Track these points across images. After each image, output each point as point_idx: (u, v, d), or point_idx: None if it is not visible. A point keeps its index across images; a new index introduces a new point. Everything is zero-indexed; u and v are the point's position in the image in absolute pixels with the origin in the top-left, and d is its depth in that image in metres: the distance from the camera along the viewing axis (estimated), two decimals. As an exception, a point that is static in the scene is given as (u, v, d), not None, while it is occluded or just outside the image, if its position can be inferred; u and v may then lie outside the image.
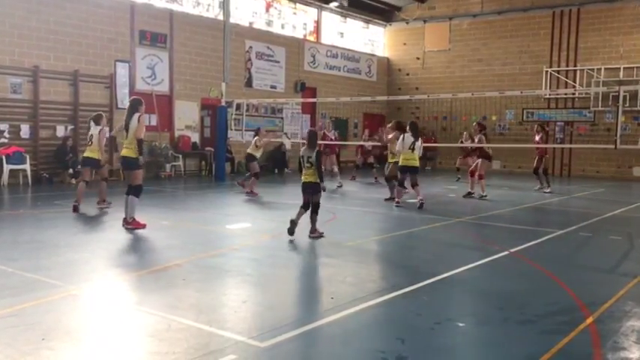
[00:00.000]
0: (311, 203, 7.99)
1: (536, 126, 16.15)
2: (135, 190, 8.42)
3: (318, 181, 7.95)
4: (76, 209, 9.85)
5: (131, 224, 8.31)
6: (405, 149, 11.20)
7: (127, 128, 8.49)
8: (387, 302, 5.09)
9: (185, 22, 18.45)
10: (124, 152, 8.54)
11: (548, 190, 14.98)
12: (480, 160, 13.64)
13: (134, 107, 8.51)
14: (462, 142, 17.42)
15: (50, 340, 3.98)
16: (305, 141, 8.20)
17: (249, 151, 13.66)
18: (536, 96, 22.48)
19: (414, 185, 11.30)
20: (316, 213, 8.03)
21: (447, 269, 6.24)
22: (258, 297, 5.33)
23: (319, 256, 7.01)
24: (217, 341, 4.05)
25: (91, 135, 10.37)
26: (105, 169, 10.81)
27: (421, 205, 11.04)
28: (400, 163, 11.32)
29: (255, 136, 14.10)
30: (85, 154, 10.47)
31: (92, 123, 10.52)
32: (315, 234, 7.97)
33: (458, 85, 24.26)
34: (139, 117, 8.43)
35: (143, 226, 8.32)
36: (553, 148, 22.63)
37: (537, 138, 15.40)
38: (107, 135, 10.86)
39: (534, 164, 15.56)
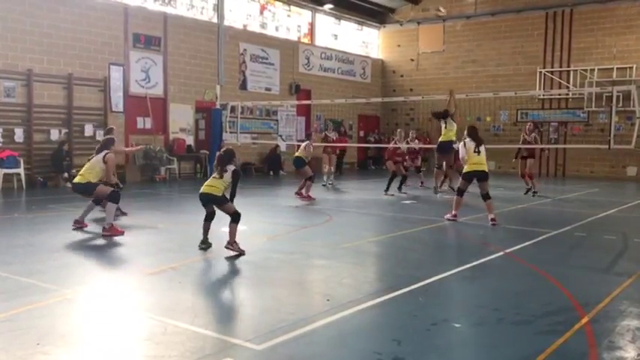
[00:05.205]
0: (229, 215, 6.99)
1: (529, 125, 15.36)
2: (111, 197, 8.18)
3: (222, 195, 7.05)
4: None
5: (108, 231, 7.99)
6: (470, 154, 9.90)
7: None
8: (383, 304, 5.09)
9: (179, 25, 18.43)
10: (77, 179, 8.41)
11: (534, 190, 14.54)
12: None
13: (105, 146, 8.55)
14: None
15: (45, 344, 3.96)
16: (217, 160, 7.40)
17: (298, 154, 13.17)
18: (530, 97, 22.56)
19: (485, 198, 9.88)
20: (236, 222, 6.91)
21: (443, 270, 6.25)
22: (254, 299, 5.32)
23: (315, 258, 7.00)
24: (213, 344, 4.05)
25: None
26: None
27: (493, 224, 9.54)
28: (466, 170, 9.99)
29: (306, 140, 13.81)
30: None
31: None
32: (233, 246, 6.84)
33: (452, 86, 24.19)
34: (106, 156, 8.36)
35: (121, 233, 8.04)
36: (547, 148, 22.74)
37: (530, 138, 14.78)
38: None
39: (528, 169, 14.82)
